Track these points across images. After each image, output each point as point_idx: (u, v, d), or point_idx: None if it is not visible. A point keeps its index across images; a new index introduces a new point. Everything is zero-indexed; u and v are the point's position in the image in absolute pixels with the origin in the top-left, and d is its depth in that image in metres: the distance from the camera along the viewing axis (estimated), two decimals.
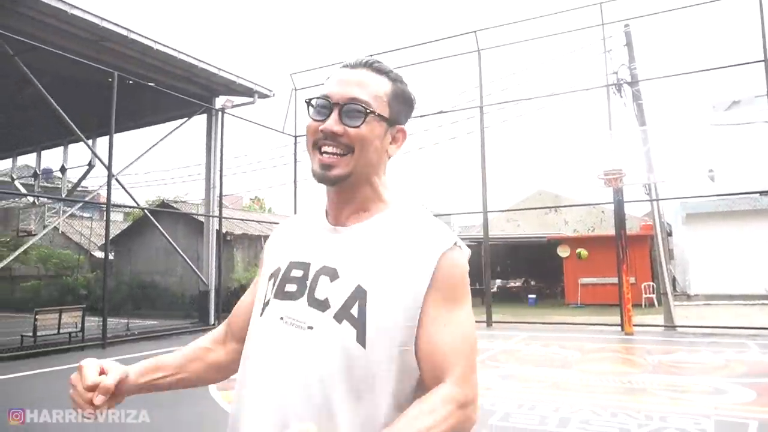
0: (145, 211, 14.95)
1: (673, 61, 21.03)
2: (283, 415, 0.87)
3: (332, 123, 0.92)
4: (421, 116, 13.39)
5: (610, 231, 12.45)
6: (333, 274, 0.92)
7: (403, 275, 0.89)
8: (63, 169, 15.92)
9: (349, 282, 0.90)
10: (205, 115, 13.34)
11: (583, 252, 10.67)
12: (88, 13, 9.60)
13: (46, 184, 18.57)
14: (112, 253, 19.81)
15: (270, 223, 18.54)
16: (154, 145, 12.75)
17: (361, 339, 0.86)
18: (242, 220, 17.39)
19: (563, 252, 17.26)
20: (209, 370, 1.10)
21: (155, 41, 10.79)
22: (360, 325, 0.87)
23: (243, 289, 16.68)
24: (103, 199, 22.58)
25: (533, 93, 12.20)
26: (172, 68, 11.80)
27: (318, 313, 0.90)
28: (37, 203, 16.63)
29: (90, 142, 13.96)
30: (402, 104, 1.00)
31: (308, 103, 0.97)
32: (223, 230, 16.70)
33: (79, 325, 10.08)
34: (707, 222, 18.21)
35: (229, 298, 15.74)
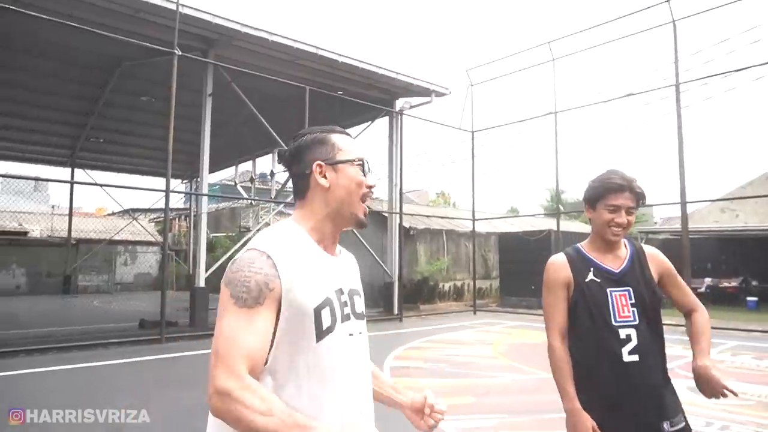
0: None
1: None
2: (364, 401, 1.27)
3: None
4: (605, 101, 12.42)
5: None
6: (358, 293, 1.34)
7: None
8: (272, 174, 18.39)
9: (363, 296, 1.37)
10: (387, 118, 14.20)
11: None
12: (284, 37, 10.98)
13: (261, 187, 21.59)
14: None
15: (451, 218, 18.90)
16: None
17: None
18: (423, 215, 18.01)
19: None
20: None
21: (340, 54, 11.86)
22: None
23: (426, 281, 17.46)
24: None
25: (745, 62, 10.41)
26: (356, 77, 12.84)
27: (362, 322, 1.31)
28: (253, 204, 19.42)
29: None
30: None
31: (364, 162, 1.29)
32: (407, 225, 17.62)
33: None
34: None
35: (413, 288, 16.56)
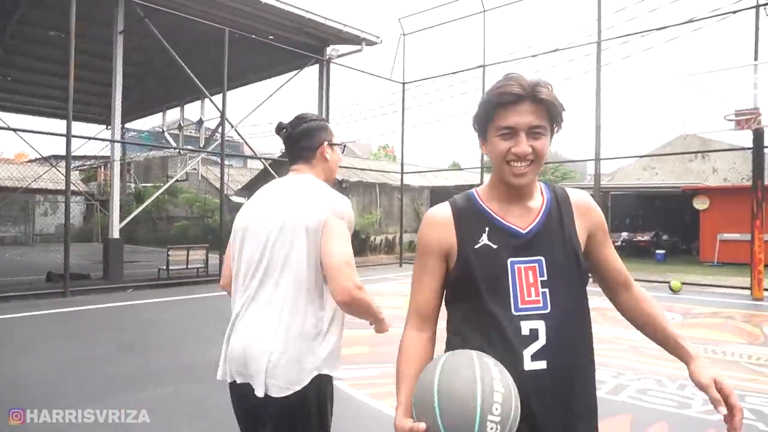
0: (262, 160, 16.06)
1: None
2: None
3: None
4: (533, 56, 12.48)
5: None
6: None
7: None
8: (200, 122, 17.63)
9: None
10: (316, 66, 13.76)
11: (677, 285, 9.19)
12: None
13: (190, 135, 20.69)
14: (246, 198, 21.79)
15: (384, 171, 18.87)
16: (268, 97, 13.58)
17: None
18: (356, 168, 17.87)
19: (700, 204, 15.32)
20: None
21: None
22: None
23: (357, 234, 17.54)
24: (247, 151, 24.56)
25: (664, 21, 10.66)
26: (282, 20, 12.27)
27: None
28: (181, 152, 18.66)
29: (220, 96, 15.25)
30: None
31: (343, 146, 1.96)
32: (339, 177, 17.50)
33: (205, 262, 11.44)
34: None
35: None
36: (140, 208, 13.56)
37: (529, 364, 1.17)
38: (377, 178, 18.74)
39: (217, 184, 24.72)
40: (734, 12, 9.37)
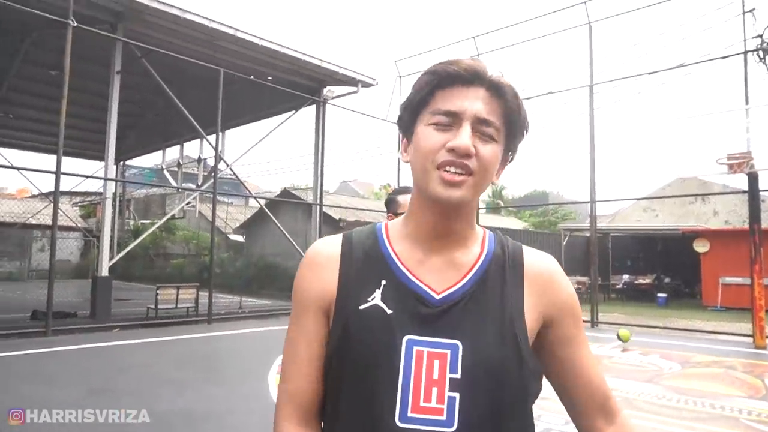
0: (257, 200, 16.05)
1: None
2: None
3: None
4: (528, 98, 12.56)
5: None
6: None
7: None
8: (199, 160, 17.73)
9: None
10: (314, 106, 13.89)
11: (624, 334, 8.59)
12: (198, 15, 10.50)
13: (189, 172, 20.78)
14: (244, 236, 21.71)
15: (373, 211, 18.82)
16: (265, 136, 13.80)
17: None
18: (337, 207, 17.78)
19: (700, 247, 15.11)
20: None
21: (260, 38, 11.46)
22: None
23: None
24: (250, 189, 24.70)
25: (655, 66, 10.75)
26: (279, 62, 12.46)
27: None
28: (179, 190, 18.70)
29: (220, 135, 15.41)
30: None
31: None
32: (337, 217, 17.43)
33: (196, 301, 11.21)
34: None
35: None
36: (132, 245, 13.51)
37: None
38: (375, 217, 18.66)
39: (216, 223, 24.84)
40: (723, 57, 9.43)
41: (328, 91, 13.68)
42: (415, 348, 0.77)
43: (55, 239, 8.58)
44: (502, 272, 0.85)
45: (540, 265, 0.89)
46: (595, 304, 10.81)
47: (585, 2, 10.80)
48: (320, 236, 13.74)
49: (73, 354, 7.40)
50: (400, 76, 14.35)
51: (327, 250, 0.87)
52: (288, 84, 12.87)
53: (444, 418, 0.75)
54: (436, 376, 0.77)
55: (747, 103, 8.69)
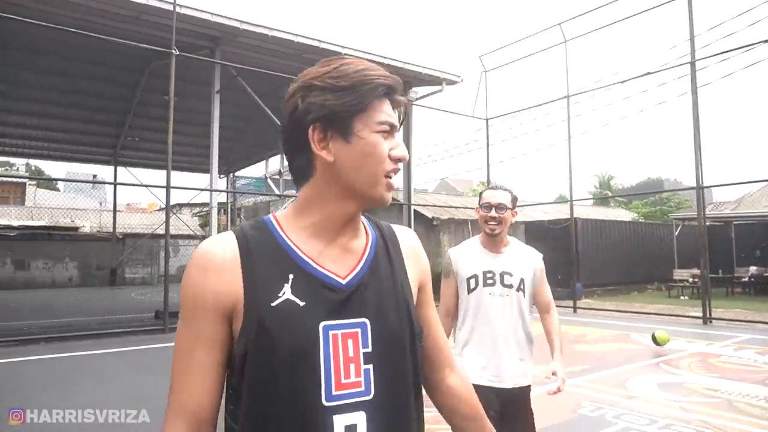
0: None
1: None
2: (508, 330, 2.30)
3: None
4: (622, 82, 11.80)
5: None
6: (510, 273, 2.33)
7: (533, 270, 2.40)
8: None
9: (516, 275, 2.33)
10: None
11: (662, 336, 7.30)
12: (284, 32, 11.15)
13: (290, 179, 21.96)
14: None
15: (467, 208, 18.62)
16: None
17: (524, 296, 2.34)
18: (430, 205, 17.72)
19: None
20: None
21: (343, 46, 11.88)
22: (524, 291, 2.34)
23: (447, 271, 17.24)
24: None
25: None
26: None
27: (508, 290, 2.32)
28: (281, 197, 19.83)
29: None
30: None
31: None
32: (430, 215, 17.53)
33: None
34: None
35: (437, 279, 16.43)
36: None
37: None
38: (470, 214, 18.48)
39: None
40: None
41: (412, 91, 13.81)
42: (331, 332, 0.83)
43: (168, 247, 9.59)
44: (386, 251, 0.96)
45: (409, 238, 1.03)
46: (707, 299, 9.88)
47: None
48: None
49: None
50: (485, 71, 14.12)
51: (221, 250, 0.85)
52: None
53: (363, 388, 0.84)
54: (351, 353, 0.84)
55: None
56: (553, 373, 2.25)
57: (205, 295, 0.83)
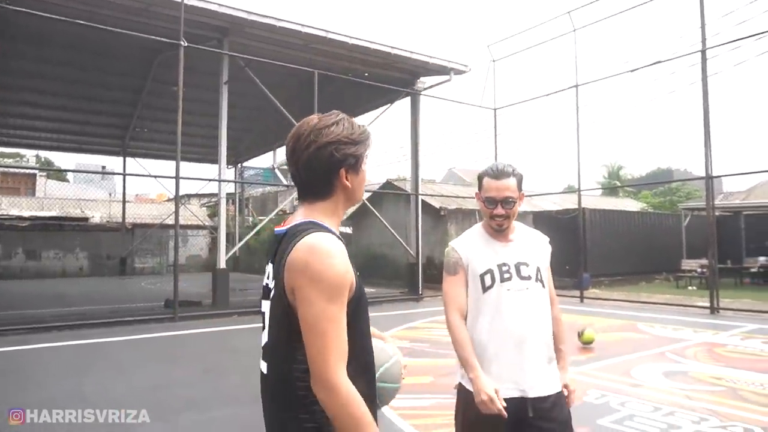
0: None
1: None
2: (531, 329, 1.98)
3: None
4: (632, 71, 11.72)
5: None
6: (526, 264, 2.04)
7: (544, 257, 2.10)
8: None
9: (533, 265, 2.04)
10: (408, 99, 14.07)
11: (588, 336, 6.93)
12: (292, 22, 11.16)
13: None
14: (351, 228, 22.58)
15: (471, 198, 18.61)
16: None
17: (543, 286, 2.05)
18: (437, 195, 17.70)
19: None
20: None
21: (350, 36, 11.88)
22: (541, 281, 2.04)
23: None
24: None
25: None
26: (371, 58, 12.81)
27: (527, 282, 2.01)
28: (289, 187, 19.92)
29: None
30: None
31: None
32: (437, 205, 17.54)
33: None
34: None
35: (440, 269, 16.44)
36: (244, 240, 14.85)
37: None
38: (477, 204, 18.50)
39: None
40: None
41: (420, 82, 13.78)
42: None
43: (177, 237, 9.70)
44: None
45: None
46: (715, 289, 9.87)
47: None
48: (420, 225, 14.04)
49: (193, 337, 8.34)
50: (494, 60, 14.06)
51: (342, 246, 1.26)
52: (382, 78, 13.19)
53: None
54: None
55: None
56: (565, 387, 2.01)
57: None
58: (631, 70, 11.67)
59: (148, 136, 21.06)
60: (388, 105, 14.09)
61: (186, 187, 26.56)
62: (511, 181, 2.01)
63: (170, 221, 22.73)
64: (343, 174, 1.28)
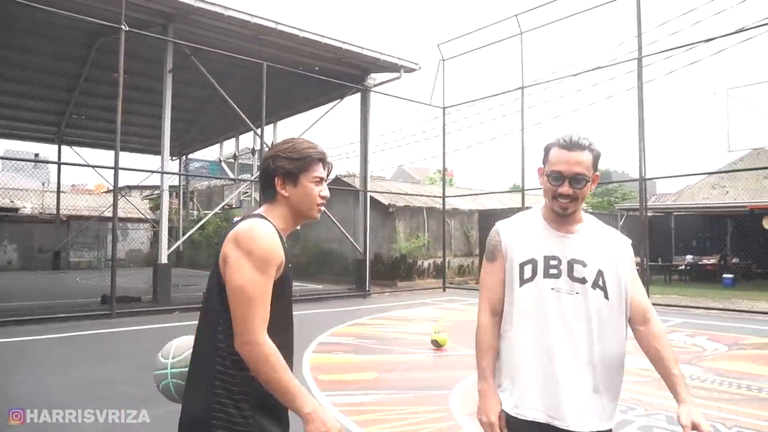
0: None
1: None
2: (576, 345, 1.59)
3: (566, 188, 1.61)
4: (574, 75, 12.17)
5: None
6: (584, 263, 1.62)
7: (617, 262, 1.65)
8: (253, 151, 18.41)
9: (592, 267, 1.62)
10: (359, 95, 14.05)
11: (441, 339, 6.68)
12: (240, 12, 10.90)
13: (244, 162, 21.58)
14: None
15: (423, 196, 18.81)
16: (310, 126, 13.96)
17: (606, 296, 1.61)
18: (385, 192, 17.80)
19: None
20: None
21: (301, 29, 11.73)
22: (605, 289, 1.61)
23: (404, 258, 17.49)
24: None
25: (709, 33, 10.10)
26: (321, 52, 12.70)
27: (578, 285, 1.61)
28: (236, 181, 19.50)
29: (271, 126, 16.07)
30: None
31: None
32: (386, 202, 17.60)
33: None
34: None
35: (392, 265, 16.58)
36: (187, 234, 14.44)
37: None
38: (425, 202, 18.70)
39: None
40: None
41: (370, 78, 13.79)
42: None
43: (115, 230, 9.30)
44: None
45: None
46: (646, 285, 10.42)
47: None
48: (368, 222, 14.08)
49: (131, 333, 8.03)
50: (443, 60, 14.24)
51: (273, 229, 1.46)
52: (333, 73, 13.12)
53: None
54: None
55: None
56: (694, 427, 1.50)
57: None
58: (573, 75, 12.13)
59: (86, 123, 20.06)
60: (339, 100, 14.03)
61: (127, 179, 25.52)
62: (586, 156, 1.61)
63: (109, 213, 21.86)
64: (278, 182, 1.49)
